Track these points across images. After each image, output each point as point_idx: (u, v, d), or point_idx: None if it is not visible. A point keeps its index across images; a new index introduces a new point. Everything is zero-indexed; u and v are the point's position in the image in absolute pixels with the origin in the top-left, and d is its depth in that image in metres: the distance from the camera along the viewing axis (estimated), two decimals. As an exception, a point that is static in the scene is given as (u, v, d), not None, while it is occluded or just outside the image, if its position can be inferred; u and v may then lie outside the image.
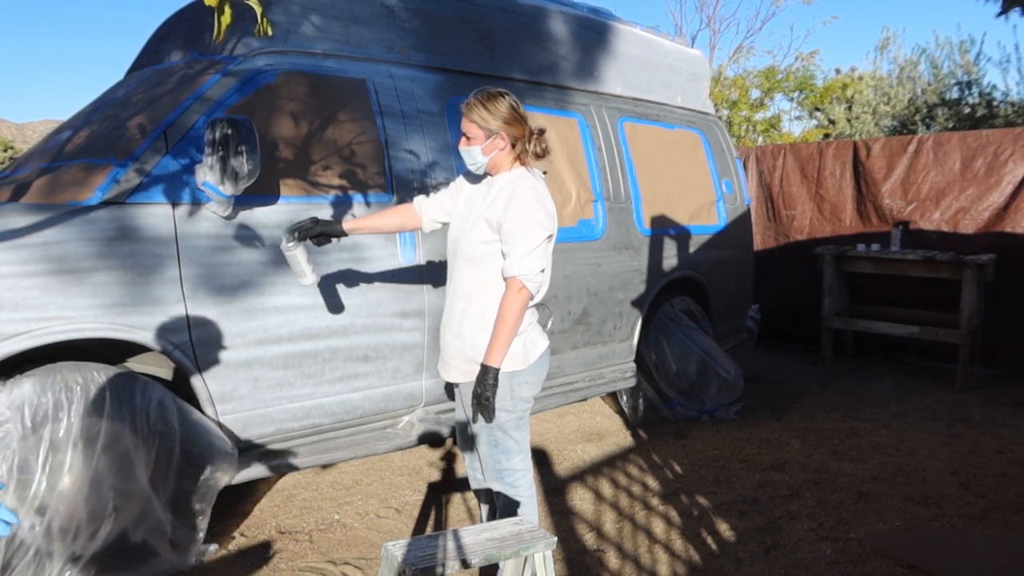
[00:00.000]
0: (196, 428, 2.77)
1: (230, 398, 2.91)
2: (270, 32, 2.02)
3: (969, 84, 10.88)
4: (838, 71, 14.01)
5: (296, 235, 2.60)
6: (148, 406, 2.67)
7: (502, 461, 2.48)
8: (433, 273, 3.46)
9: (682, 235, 4.83)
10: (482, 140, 2.38)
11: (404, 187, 3.41)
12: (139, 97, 3.21)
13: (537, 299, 2.39)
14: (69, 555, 2.51)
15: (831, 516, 3.37)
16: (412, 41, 3.65)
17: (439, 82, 3.69)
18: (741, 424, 4.79)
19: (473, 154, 2.39)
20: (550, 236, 2.37)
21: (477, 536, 2.04)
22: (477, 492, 2.71)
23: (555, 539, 2.07)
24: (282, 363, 3.01)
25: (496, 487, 2.51)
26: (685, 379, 4.79)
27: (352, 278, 3.19)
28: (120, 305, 2.62)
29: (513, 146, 2.38)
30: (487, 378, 2.31)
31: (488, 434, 2.46)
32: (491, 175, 2.44)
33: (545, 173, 2.55)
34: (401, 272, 3.34)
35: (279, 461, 3.06)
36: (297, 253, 2.63)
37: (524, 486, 2.51)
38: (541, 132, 2.43)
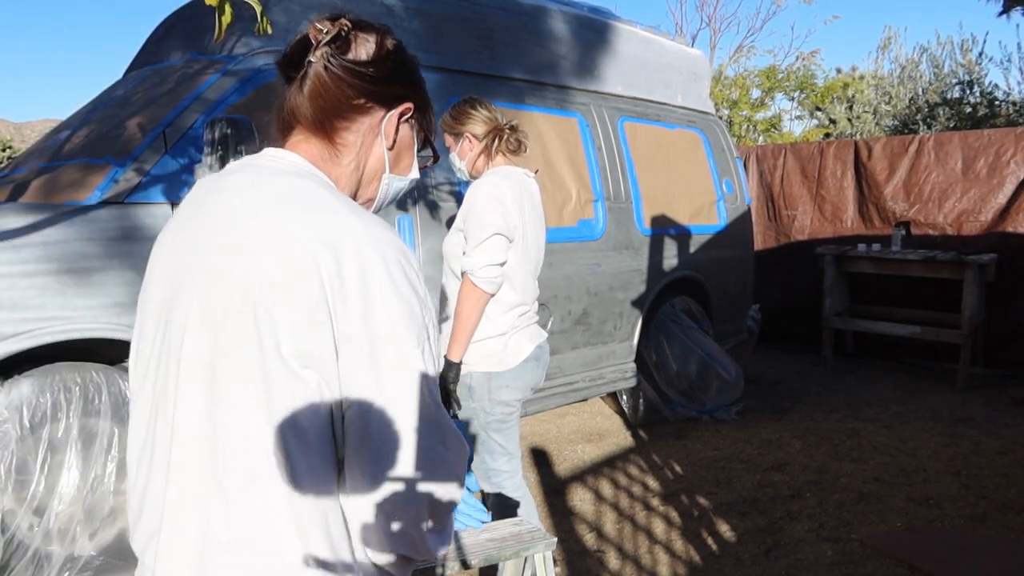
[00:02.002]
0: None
1: (229, 398, 2.90)
2: (269, 31, 2.01)
3: (971, 83, 10.87)
4: (839, 70, 14.01)
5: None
6: (147, 406, 2.66)
7: (487, 461, 2.48)
8: (433, 273, 3.45)
9: (682, 235, 4.82)
10: (454, 146, 2.44)
11: (404, 187, 3.40)
12: (138, 96, 3.20)
13: (490, 290, 2.26)
14: (68, 556, 2.50)
15: (832, 517, 3.36)
16: (412, 41, 3.64)
17: (439, 82, 3.68)
18: (741, 424, 4.79)
19: (452, 161, 2.47)
20: (498, 233, 2.25)
21: (477, 536, 2.04)
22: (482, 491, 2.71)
23: (555, 540, 2.07)
24: (281, 363, 3.00)
25: (485, 487, 2.52)
26: (685, 379, 4.78)
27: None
28: (119, 305, 2.61)
29: (485, 145, 2.38)
30: (448, 371, 2.35)
31: (476, 432, 2.46)
32: (475, 180, 2.46)
33: (536, 171, 2.53)
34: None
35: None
36: None
37: (509, 488, 2.49)
38: (512, 128, 2.41)
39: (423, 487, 0.86)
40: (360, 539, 0.89)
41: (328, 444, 0.87)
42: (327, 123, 0.98)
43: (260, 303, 0.84)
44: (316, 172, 0.98)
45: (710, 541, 3.14)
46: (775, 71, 13.93)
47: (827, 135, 12.61)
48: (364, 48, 0.99)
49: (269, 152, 0.99)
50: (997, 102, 10.57)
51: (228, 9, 1.67)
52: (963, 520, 3.35)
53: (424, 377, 0.88)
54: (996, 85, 10.95)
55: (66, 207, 2.58)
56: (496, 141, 2.38)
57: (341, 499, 0.88)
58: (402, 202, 3.38)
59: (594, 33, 4.50)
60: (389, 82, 1.01)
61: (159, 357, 0.93)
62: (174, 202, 2.76)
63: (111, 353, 2.82)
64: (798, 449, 4.30)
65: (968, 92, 10.88)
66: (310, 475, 0.85)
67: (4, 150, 11.12)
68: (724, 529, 3.25)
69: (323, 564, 0.86)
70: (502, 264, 2.27)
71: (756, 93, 13.83)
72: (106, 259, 2.59)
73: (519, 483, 2.53)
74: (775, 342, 7.10)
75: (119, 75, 4.00)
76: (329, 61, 0.96)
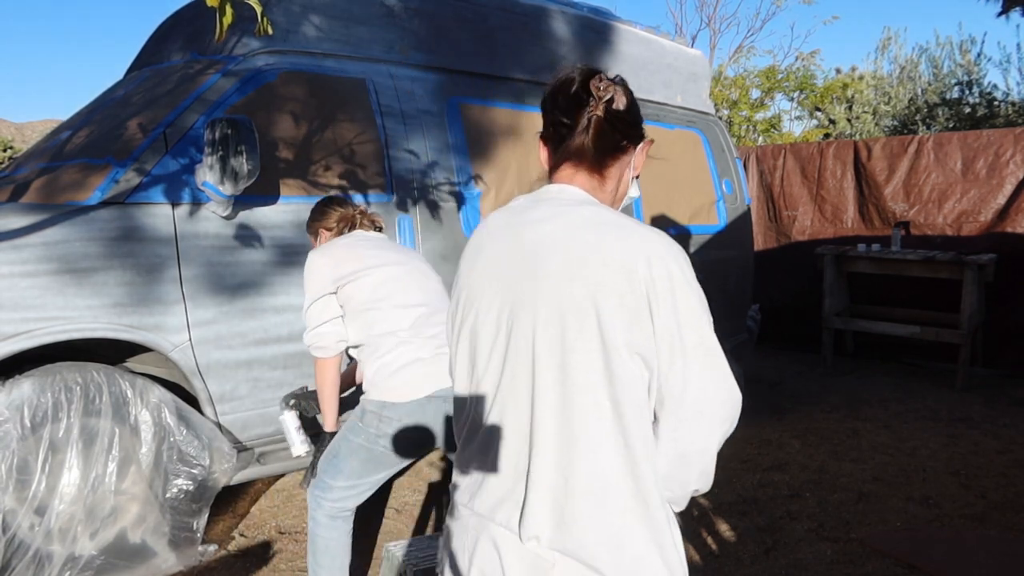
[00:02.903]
0: (195, 428, 2.77)
1: (230, 398, 2.91)
2: (270, 32, 2.02)
3: (970, 84, 10.88)
4: (838, 71, 14.01)
5: (288, 403, 2.57)
6: (147, 406, 2.67)
7: (327, 473, 2.30)
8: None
9: (682, 235, 4.83)
10: (315, 243, 2.58)
11: (404, 187, 3.41)
12: (139, 97, 3.21)
13: (324, 354, 2.29)
14: (68, 555, 2.51)
15: (831, 516, 3.37)
16: (412, 41, 3.65)
17: (439, 82, 3.69)
18: (741, 424, 4.74)
19: None
20: (315, 299, 2.27)
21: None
22: None
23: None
24: (282, 363, 3.01)
25: (308, 497, 2.36)
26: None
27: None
28: (120, 305, 2.61)
29: (337, 231, 2.52)
30: (322, 443, 2.40)
31: (347, 440, 2.28)
32: None
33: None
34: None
35: (279, 462, 3.06)
36: (286, 419, 2.58)
37: (322, 515, 2.30)
38: (363, 212, 2.52)
39: (719, 435, 1.18)
40: (671, 480, 1.18)
41: (647, 412, 1.14)
42: (602, 161, 1.24)
43: (600, 305, 1.10)
44: (595, 200, 1.23)
45: (710, 541, 3.15)
46: (775, 71, 13.94)
47: (827, 135, 12.62)
48: (621, 99, 1.23)
49: (553, 187, 1.26)
50: (996, 102, 10.58)
51: (229, 10, 1.68)
52: (962, 520, 3.35)
53: (716, 350, 1.15)
54: (995, 85, 10.96)
55: (67, 207, 2.59)
56: (348, 227, 2.47)
57: (655, 453, 1.16)
58: (402, 202, 3.39)
59: (594, 33, 4.51)
60: (637, 124, 1.27)
61: (504, 358, 1.19)
62: (175, 202, 2.76)
63: (112, 353, 2.82)
64: (798, 449, 4.30)
65: (967, 92, 10.89)
66: (639, 437, 1.13)
67: (5, 150, 11.11)
68: (724, 529, 3.26)
69: (646, 504, 1.14)
70: (327, 321, 2.27)
71: (756, 93, 13.84)
72: (107, 259, 2.59)
73: (338, 523, 2.31)
74: (775, 342, 7.10)
75: (120, 76, 4.01)
76: (607, 112, 1.21)
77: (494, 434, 1.19)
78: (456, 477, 1.27)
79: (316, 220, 2.51)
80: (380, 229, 2.55)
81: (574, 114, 1.21)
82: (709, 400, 1.14)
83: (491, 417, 1.20)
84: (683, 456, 1.16)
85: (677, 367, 1.12)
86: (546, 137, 1.29)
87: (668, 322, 1.11)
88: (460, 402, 1.28)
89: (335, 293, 2.27)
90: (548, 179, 1.29)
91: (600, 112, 1.20)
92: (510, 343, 1.18)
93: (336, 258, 2.30)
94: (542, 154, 1.31)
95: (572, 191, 1.23)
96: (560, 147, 1.25)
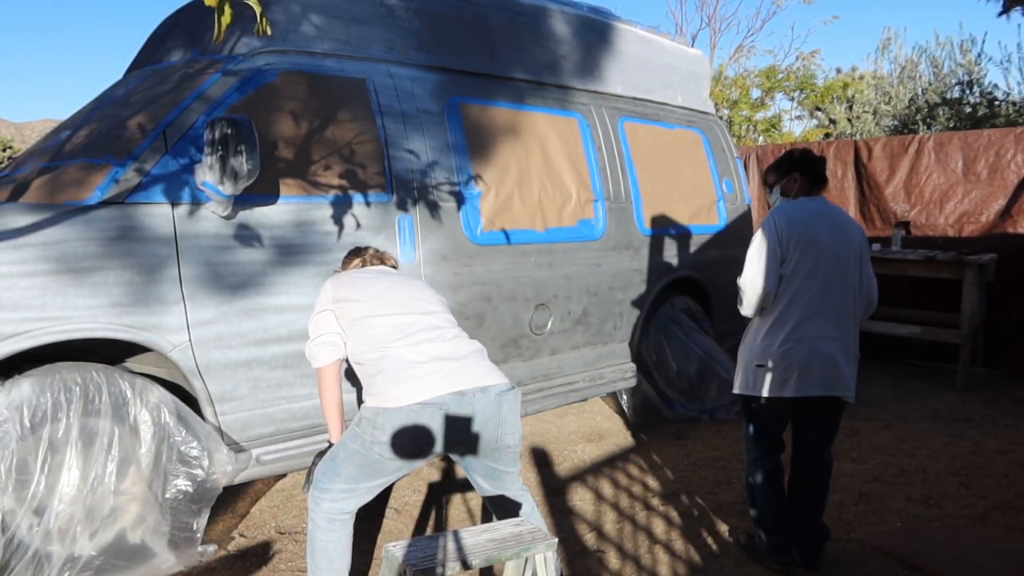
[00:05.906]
0: (194, 429, 2.77)
1: (230, 398, 2.90)
2: (269, 31, 2.02)
3: (970, 83, 10.86)
4: (839, 70, 14.01)
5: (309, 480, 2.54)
6: (147, 406, 2.67)
7: (324, 476, 2.33)
8: (432, 273, 3.46)
9: (682, 235, 4.82)
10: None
11: (404, 187, 3.40)
12: (138, 96, 3.20)
13: (317, 363, 2.44)
14: (68, 556, 2.51)
15: (832, 517, 3.36)
16: (412, 41, 3.65)
17: (439, 82, 3.68)
18: (741, 424, 4.78)
19: None
20: (315, 314, 2.48)
21: (478, 537, 2.04)
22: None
23: (556, 540, 2.07)
24: (282, 363, 3.01)
25: (309, 500, 2.37)
26: (685, 379, 4.78)
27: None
28: (119, 305, 2.61)
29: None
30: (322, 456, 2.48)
31: (345, 446, 2.30)
32: None
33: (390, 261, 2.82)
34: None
35: (279, 462, 3.06)
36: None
37: (320, 519, 2.31)
38: (375, 253, 2.79)
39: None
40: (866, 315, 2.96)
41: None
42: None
43: (862, 246, 2.84)
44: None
45: (710, 541, 3.14)
46: (775, 71, 13.94)
47: (827, 135, 12.62)
48: None
49: (819, 198, 2.87)
50: (997, 102, 10.57)
51: (228, 9, 1.68)
52: (963, 520, 3.35)
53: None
54: (996, 85, 10.95)
55: (66, 207, 2.58)
56: (361, 265, 2.72)
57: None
58: (402, 202, 3.38)
59: (594, 33, 4.50)
60: None
61: (832, 263, 2.74)
62: (174, 202, 2.76)
63: (112, 353, 2.82)
64: (798, 449, 4.29)
65: (968, 92, 10.88)
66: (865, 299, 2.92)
67: (5, 150, 11.10)
68: (724, 529, 3.25)
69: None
70: (323, 334, 2.44)
71: (756, 93, 13.84)
72: (106, 259, 2.59)
73: (336, 525, 2.32)
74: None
75: (120, 75, 4.00)
76: None
77: (826, 295, 2.73)
78: (796, 322, 2.74)
79: (343, 263, 2.80)
80: (394, 266, 2.78)
81: (823, 171, 2.93)
82: (875, 290, 2.90)
83: (827, 286, 2.72)
84: (871, 306, 2.91)
85: (874, 277, 2.87)
86: (806, 173, 2.88)
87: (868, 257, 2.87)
88: (791, 286, 2.73)
89: (334, 311, 2.45)
90: (807, 194, 2.87)
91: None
92: (839, 259, 2.74)
93: (339, 283, 2.53)
94: (801, 180, 2.89)
95: (825, 199, 2.87)
96: (814, 181, 2.89)
